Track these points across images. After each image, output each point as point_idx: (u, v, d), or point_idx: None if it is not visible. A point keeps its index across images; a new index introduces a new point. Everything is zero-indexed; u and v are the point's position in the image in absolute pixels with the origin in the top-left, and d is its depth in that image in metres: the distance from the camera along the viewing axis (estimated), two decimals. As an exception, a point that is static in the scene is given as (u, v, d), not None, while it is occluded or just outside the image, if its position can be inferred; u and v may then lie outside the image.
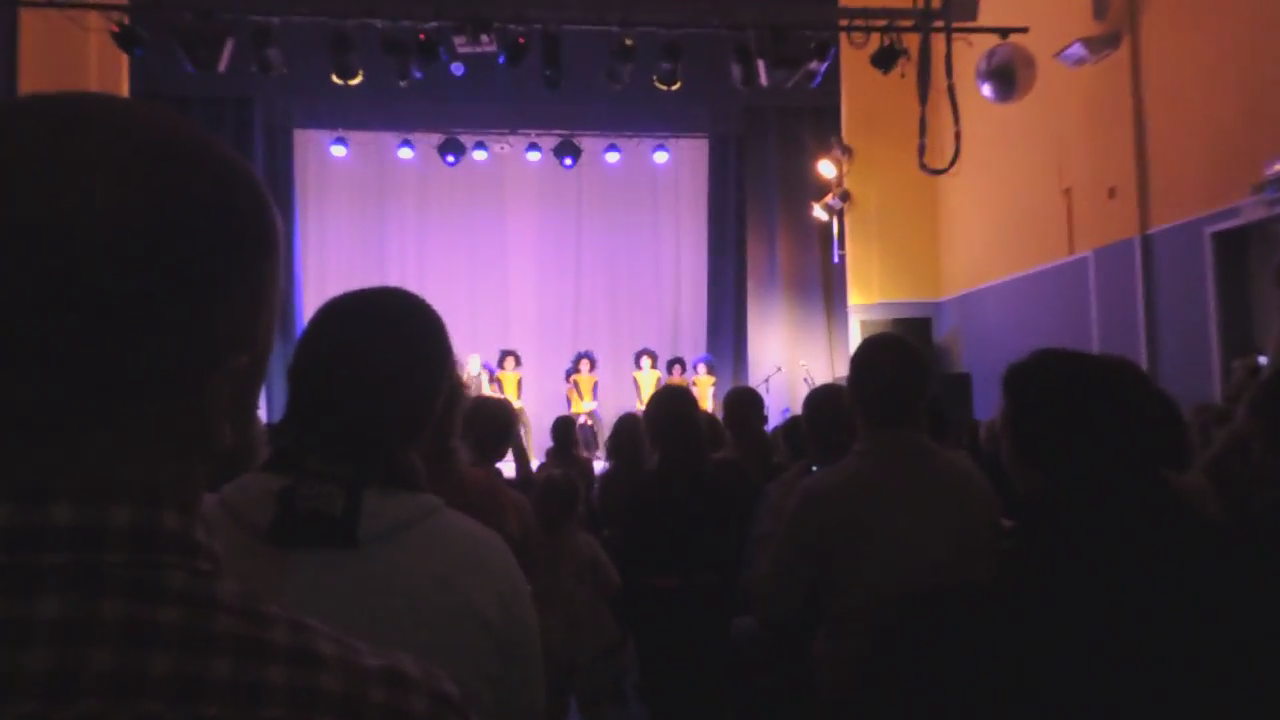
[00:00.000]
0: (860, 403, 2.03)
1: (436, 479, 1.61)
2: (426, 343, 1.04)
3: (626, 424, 4.10)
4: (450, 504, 1.02)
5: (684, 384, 11.23)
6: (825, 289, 12.19)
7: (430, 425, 1.06)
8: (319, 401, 0.98)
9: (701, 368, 11.54)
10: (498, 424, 2.81)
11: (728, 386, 11.76)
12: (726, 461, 3.32)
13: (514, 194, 12.86)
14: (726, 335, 12.40)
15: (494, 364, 11.34)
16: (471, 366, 10.76)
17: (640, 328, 12.94)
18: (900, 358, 2.02)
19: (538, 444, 9.87)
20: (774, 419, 7.53)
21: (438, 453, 1.66)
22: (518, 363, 11.35)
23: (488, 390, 10.70)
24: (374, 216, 12.62)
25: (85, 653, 0.40)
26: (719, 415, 4.00)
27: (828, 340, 12.19)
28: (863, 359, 2.06)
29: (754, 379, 11.66)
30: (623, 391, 11.94)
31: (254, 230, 0.48)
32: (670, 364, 11.66)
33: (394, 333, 1.02)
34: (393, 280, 12.34)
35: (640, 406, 11.15)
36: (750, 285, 12.28)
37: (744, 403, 3.70)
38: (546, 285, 12.96)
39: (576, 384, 11.55)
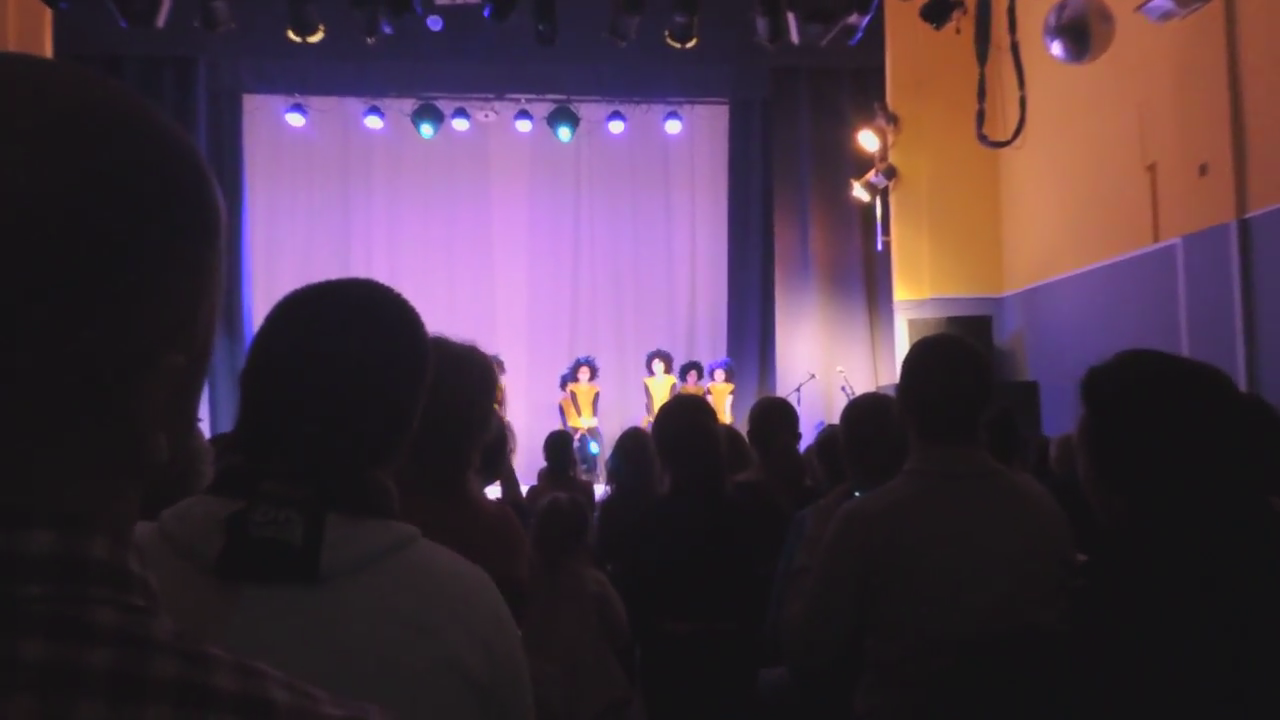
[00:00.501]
0: (911, 415, 2.05)
1: (449, 510, 1.61)
2: (401, 342, 1.04)
3: (632, 440, 4.15)
4: (465, 541, 1.04)
5: (699, 392, 11.51)
6: (867, 282, 12.22)
7: (406, 441, 1.05)
8: (275, 411, 0.99)
9: (719, 374, 11.58)
10: (491, 439, 2.84)
11: (751, 396, 11.84)
12: (751, 484, 3.37)
13: (500, 170, 12.88)
14: (751, 336, 12.44)
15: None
16: None
17: (649, 328, 12.97)
18: (959, 362, 2.03)
19: (528, 464, 9.89)
20: (807, 435, 7.54)
21: (451, 481, 1.66)
22: (502, 369, 11.37)
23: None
24: (336, 197, 12.68)
25: None
26: (741, 430, 4.01)
27: (870, 342, 12.21)
28: (915, 363, 2.07)
29: (783, 388, 11.69)
30: (628, 406, 11.99)
31: (193, 211, 0.48)
32: (685, 369, 11.69)
33: (364, 330, 1.02)
34: (357, 272, 12.08)
35: (651, 419, 11.18)
36: (778, 277, 12.32)
37: (772, 415, 3.70)
38: (539, 278, 12.98)
39: (574, 395, 11.59)
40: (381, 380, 1.02)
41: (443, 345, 1.60)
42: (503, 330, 12.73)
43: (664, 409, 3.12)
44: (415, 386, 1.04)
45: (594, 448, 11.02)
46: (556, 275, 13.03)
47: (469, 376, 1.65)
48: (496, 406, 1.87)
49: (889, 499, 2.01)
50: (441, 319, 12.23)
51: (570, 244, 13.11)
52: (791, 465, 3.63)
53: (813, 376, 11.58)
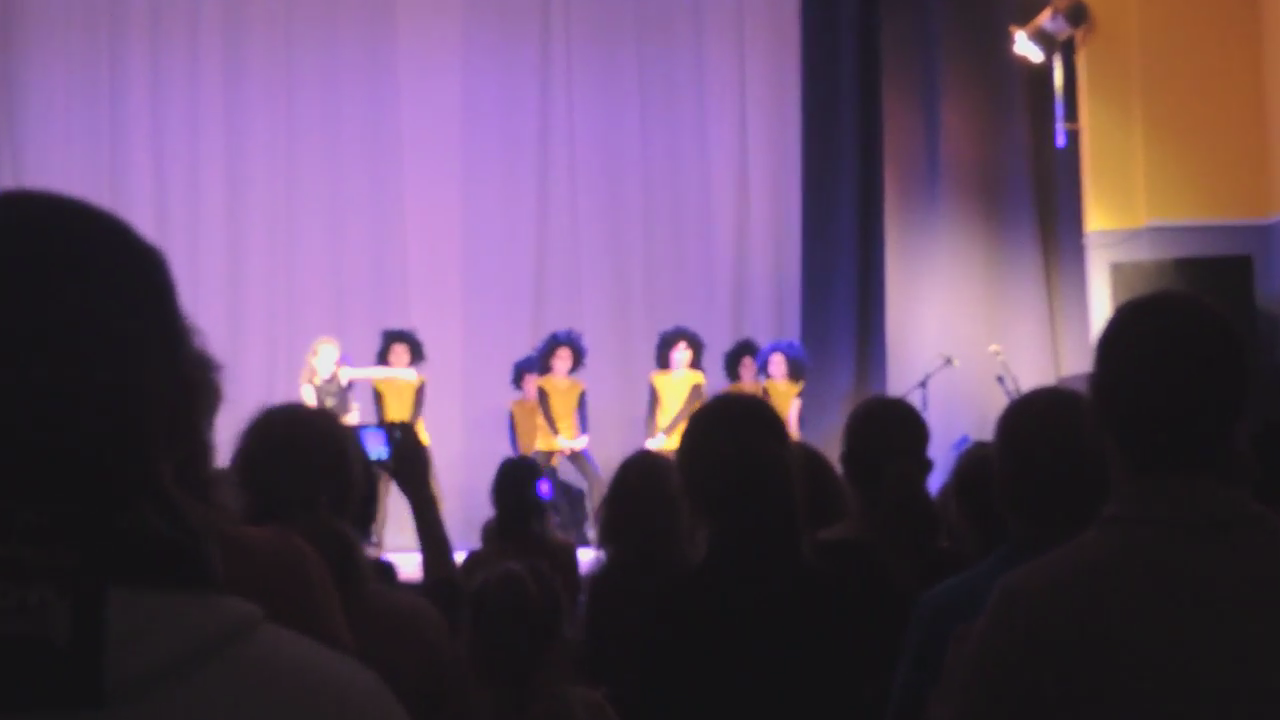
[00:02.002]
0: (1114, 429, 2.07)
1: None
2: (128, 282, 1.09)
3: (640, 473, 4.21)
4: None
5: (755, 390, 11.46)
6: (1038, 203, 12.28)
7: (187, 437, 1.11)
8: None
9: (779, 362, 11.69)
10: (344, 464, 2.87)
11: (841, 400, 11.96)
12: (847, 545, 3.37)
13: (414, 10, 13.02)
14: (839, 299, 12.52)
15: (364, 356, 11.43)
16: (321, 360, 10.82)
17: (667, 289, 13.03)
18: (1195, 342, 2.02)
19: (464, 509, 9.89)
20: (941, 459, 7.50)
21: (191, 495, 1.70)
22: (414, 354, 11.45)
23: (352, 410, 10.77)
24: (107, 59, 12.80)
25: None
26: (829, 454, 4.03)
27: (1045, 303, 12.30)
28: (1120, 343, 2.08)
29: (898, 383, 11.76)
30: (633, 417, 12.06)
31: None
32: (734, 356, 11.76)
33: (70, 276, 1.05)
34: (145, 191, 12.66)
35: (661, 439, 11.37)
36: (889, 199, 12.39)
37: (881, 429, 3.70)
38: (482, 201, 13.08)
39: (544, 397, 11.68)
40: (116, 350, 1.05)
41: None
42: (420, 291, 12.82)
43: (699, 419, 3.15)
44: (170, 347, 1.10)
45: (570, 481, 11.06)
46: (511, 197, 13.05)
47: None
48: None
49: (1077, 564, 2.02)
50: (298, 272, 12.33)
51: (534, 143, 13.09)
52: (914, 511, 3.62)
53: (949, 362, 11.60)
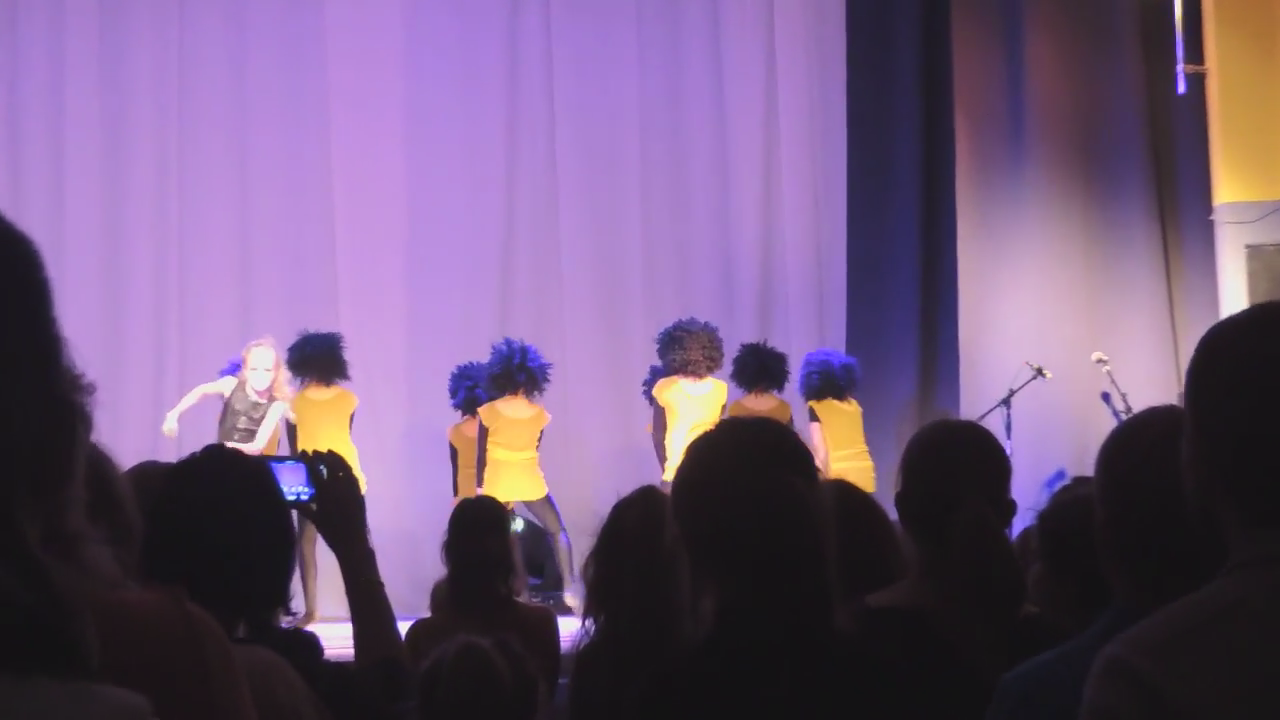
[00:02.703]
0: (1221, 475, 2.09)
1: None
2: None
3: (634, 520, 4.20)
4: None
5: (782, 411, 11.31)
6: (1154, 166, 12.29)
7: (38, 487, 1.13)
8: None
9: (831, 375, 11.57)
10: (268, 515, 2.94)
11: (899, 424, 11.96)
12: (904, 614, 3.35)
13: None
14: (895, 291, 12.56)
15: (272, 374, 11.32)
16: (256, 372, 10.72)
17: (671, 279, 13.08)
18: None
19: (408, 565, 9.87)
20: (1028, 502, 7.47)
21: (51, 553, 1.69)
22: (337, 375, 11.30)
23: (260, 439, 10.68)
24: None
25: None
26: (880, 494, 4.01)
27: (1163, 295, 12.35)
28: (1223, 368, 2.10)
29: (974, 401, 11.81)
30: (624, 443, 12.12)
31: None
32: (756, 368, 11.67)
33: None
34: None
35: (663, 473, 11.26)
36: (961, 162, 12.40)
37: (948, 463, 3.68)
38: (430, 156, 13.15)
39: (484, 434, 11.45)
40: None
41: None
42: (352, 280, 12.86)
43: (698, 452, 3.11)
44: (41, 361, 1.14)
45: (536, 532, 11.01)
46: (470, 154, 13.14)
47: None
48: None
49: (1202, 610, 2.02)
50: (210, 255, 12.33)
51: (499, 80, 13.19)
52: (991, 569, 3.61)
53: (1039, 374, 11.61)
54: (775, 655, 2.93)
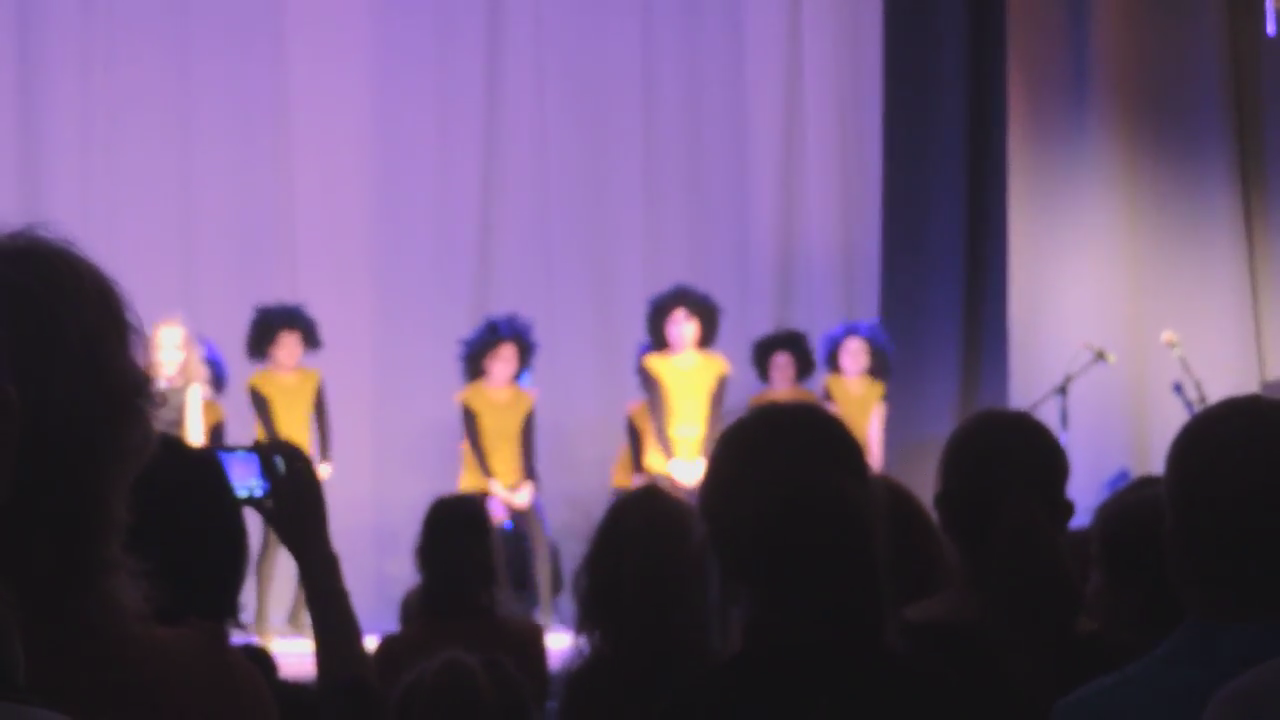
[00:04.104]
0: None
1: (76, 658, 1.66)
2: (70, 313, 1.23)
3: (643, 519, 4.20)
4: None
5: (810, 397, 11.44)
6: (1237, 122, 12.33)
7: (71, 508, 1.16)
8: None
9: (855, 350, 11.74)
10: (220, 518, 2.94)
11: (938, 414, 12.07)
12: (940, 629, 3.37)
13: None
14: (936, 265, 12.64)
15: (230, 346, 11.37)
16: (165, 353, 10.71)
17: (677, 252, 13.15)
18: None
19: (376, 572, 9.85)
20: (1087, 503, 7.48)
21: (71, 585, 1.71)
22: (308, 339, 11.34)
23: (191, 432, 10.69)
24: None
25: None
26: (920, 492, 4.03)
27: (1245, 269, 12.40)
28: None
29: (1024, 387, 11.85)
30: (621, 439, 12.21)
31: None
32: (761, 350, 11.88)
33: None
34: None
35: (682, 467, 11.49)
36: (1015, 119, 12.43)
37: (995, 458, 3.68)
38: (399, 109, 13.23)
39: (470, 418, 11.68)
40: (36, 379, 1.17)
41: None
42: (311, 248, 12.92)
43: (732, 441, 3.14)
44: (92, 393, 1.25)
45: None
46: (445, 107, 13.23)
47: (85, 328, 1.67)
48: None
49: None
50: (148, 220, 12.39)
51: (479, 24, 13.22)
52: (1044, 579, 3.62)
53: (1100, 358, 11.64)
54: (814, 675, 2.92)
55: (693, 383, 11.49)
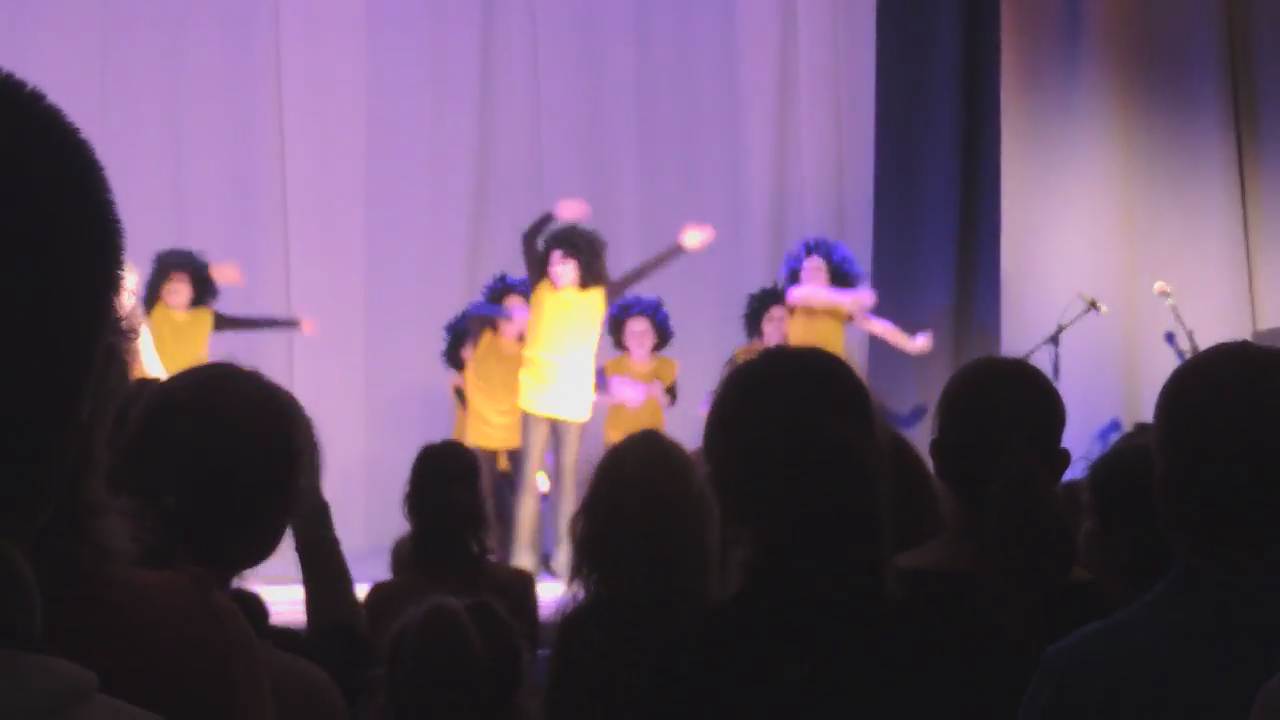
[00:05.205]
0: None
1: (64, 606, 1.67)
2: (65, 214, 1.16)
3: (634, 465, 4.20)
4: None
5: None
6: (1231, 64, 12.25)
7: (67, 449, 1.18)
8: None
9: (816, 270, 11.72)
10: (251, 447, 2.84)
11: (931, 360, 11.94)
12: (933, 577, 3.37)
13: None
14: (928, 211, 12.60)
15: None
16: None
17: (672, 201, 13.13)
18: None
19: (367, 522, 9.91)
20: (1081, 451, 7.51)
21: (56, 529, 1.65)
22: (200, 289, 11.51)
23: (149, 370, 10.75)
24: None
25: None
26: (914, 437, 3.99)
27: (1238, 216, 12.36)
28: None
29: (1016, 335, 11.86)
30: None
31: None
32: (755, 305, 11.94)
33: None
34: None
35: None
36: (1008, 61, 12.39)
37: (990, 406, 3.66)
38: (391, 63, 13.23)
39: (464, 373, 11.75)
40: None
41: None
42: (303, 204, 12.97)
43: (737, 383, 3.15)
44: (91, 317, 1.21)
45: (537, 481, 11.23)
46: (438, 60, 13.24)
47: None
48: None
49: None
50: (137, 175, 12.19)
51: (475, 10, 13.29)
52: (1038, 527, 3.62)
53: (1093, 307, 11.67)
54: (812, 621, 2.93)
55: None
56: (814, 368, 3.20)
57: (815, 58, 13.32)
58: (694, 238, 11.22)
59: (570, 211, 11.05)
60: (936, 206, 12.49)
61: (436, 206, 13.00)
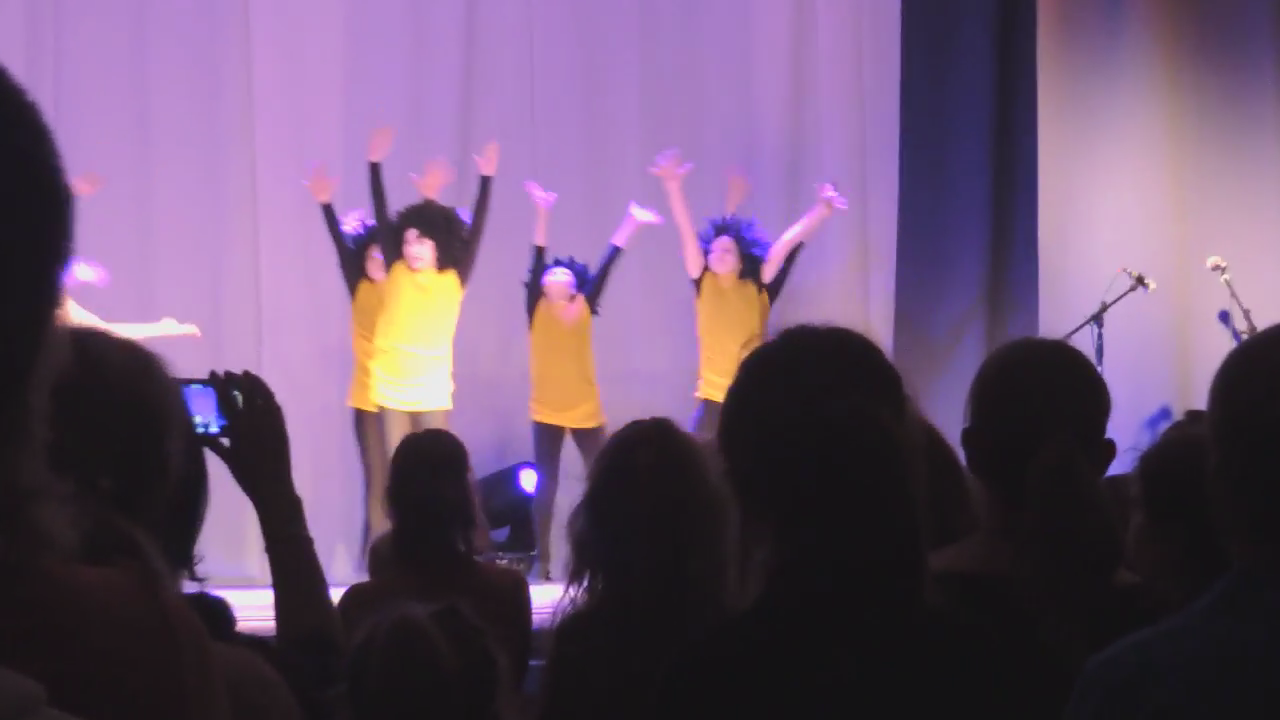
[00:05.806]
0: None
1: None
2: None
3: (646, 459, 4.20)
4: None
5: (730, 281, 11.78)
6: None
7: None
8: None
9: (724, 248, 11.90)
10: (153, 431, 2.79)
11: (960, 342, 12.14)
12: (966, 580, 3.35)
13: None
14: (957, 177, 12.64)
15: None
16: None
17: (678, 150, 13.07)
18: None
19: (346, 520, 9.92)
20: (1128, 442, 7.57)
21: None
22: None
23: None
24: None
25: None
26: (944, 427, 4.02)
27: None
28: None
29: (1056, 315, 11.86)
30: (622, 368, 12.42)
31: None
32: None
33: None
34: None
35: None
36: (1045, 17, 12.41)
37: (1027, 392, 3.69)
38: (377, 30, 13.40)
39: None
40: None
41: None
42: (272, 150, 13.05)
43: (756, 367, 3.12)
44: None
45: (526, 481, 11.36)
46: (422, 19, 13.38)
47: None
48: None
49: None
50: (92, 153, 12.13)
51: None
52: (1080, 525, 3.59)
53: (1140, 283, 11.68)
54: (842, 628, 2.91)
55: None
56: (841, 348, 3.11)
57: (836, 10, 13.33)
58: (643, 213, 11.63)
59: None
60: (967, 173, 12.53)
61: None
